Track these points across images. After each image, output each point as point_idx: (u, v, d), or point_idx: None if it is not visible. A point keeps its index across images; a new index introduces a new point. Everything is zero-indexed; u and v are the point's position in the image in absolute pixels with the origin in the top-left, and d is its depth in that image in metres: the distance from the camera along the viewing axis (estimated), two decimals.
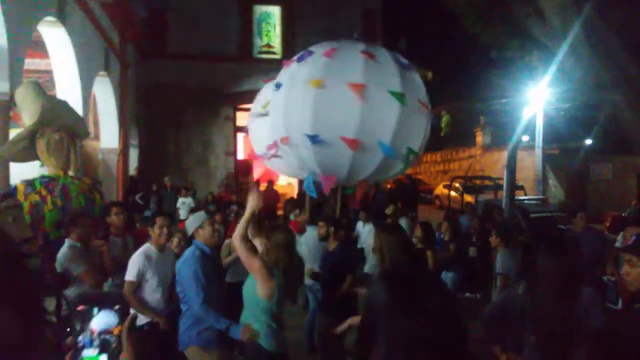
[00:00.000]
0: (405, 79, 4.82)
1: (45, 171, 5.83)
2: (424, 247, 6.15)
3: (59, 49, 8.39)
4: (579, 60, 7.45)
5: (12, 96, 6.01)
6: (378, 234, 3.77)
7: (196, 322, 3.94)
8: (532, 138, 19.14)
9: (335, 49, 4.86)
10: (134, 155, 14.13)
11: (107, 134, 11.72)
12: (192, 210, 8.86)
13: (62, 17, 7.83)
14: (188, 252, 4.15)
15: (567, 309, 2.86)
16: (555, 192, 19.33)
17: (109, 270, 4.92)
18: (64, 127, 5.91)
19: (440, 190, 21.77)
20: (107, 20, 10.79)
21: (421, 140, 5.12)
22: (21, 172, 6.12)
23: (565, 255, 2.96)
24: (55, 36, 8.14)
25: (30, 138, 5.79)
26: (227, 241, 6.10)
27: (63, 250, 4.57)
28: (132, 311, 4.14)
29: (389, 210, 8.50)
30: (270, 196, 14.07)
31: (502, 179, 13.25)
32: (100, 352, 1.25)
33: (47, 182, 5.57)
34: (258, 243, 4.07)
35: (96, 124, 11.59)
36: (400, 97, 4.49)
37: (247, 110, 15.80)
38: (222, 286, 4.31)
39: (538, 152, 18.78)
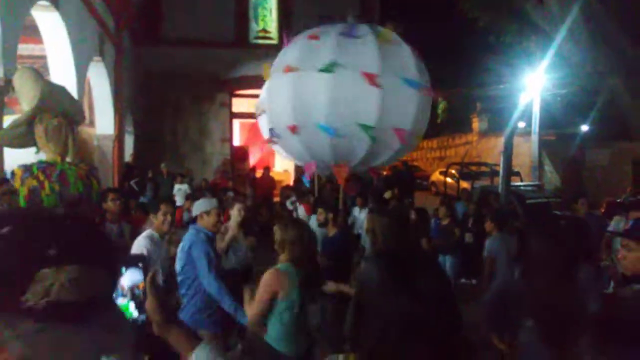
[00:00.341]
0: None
1: (43, 157, 5.80)
2: (419, 233, 6.18)
3: (52, 34, 8.29)
4: (577, 45, 7.44)
5: (7, 81, 5.96)
6: (371, 216, 3.80)
7: (204, 308, 3.93)
8: (529, 124, 19.12)
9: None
10: (129, 141, 14.06)
11: (103, 120, 11.65)
12: (188, 197, 8.86)
13: (56, 2, 7.74)
14: (191, 234, 4.12)
15: (563, 291, 2.87)
16: (551, 178, 19.37)
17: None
18: (62, 113, 5.88)
19: (436, 176, 21.80)
20: (102, 5, 10.67)
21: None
22: (15, 159, 6.08)
23: (560, 238, 2.99)
24: (49, 21, 8.04)
25: (29, 123, 5.76)
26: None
27: None
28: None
29: (387, 195, 8.52)
30: (267, 183, 14.07)
31: (498, 165, 13.26)
32: (129, 301, 1.47)
33: (44, 167, 5.53)
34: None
35: (91, 110, 11.51)
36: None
37: (244, 96, 15.84)
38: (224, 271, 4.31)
39: (534, 138, 18.77)
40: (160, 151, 14.60)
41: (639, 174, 18.19)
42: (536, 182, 16.28)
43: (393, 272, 1.28)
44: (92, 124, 11.54)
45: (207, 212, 4.16)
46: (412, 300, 1.20)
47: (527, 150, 19.10)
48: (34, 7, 7.33)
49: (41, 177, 5.52)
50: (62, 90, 6.38)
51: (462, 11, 10.21)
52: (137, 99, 14.69)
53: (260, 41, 15.75)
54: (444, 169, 20.34)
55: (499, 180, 12.57)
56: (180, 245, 4.20)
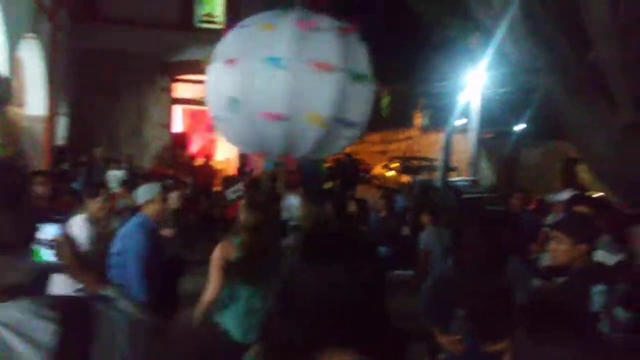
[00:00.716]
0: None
1: None
2: (358, 223, 6.23)
3: None
4: (516, 43, 7.64)
5: None
6: (301, 203, 3.85)
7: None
8: (468, 121, 19.67)
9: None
10: (63, 124, 13.42)
11: (34, 101, 11.03)
12: (124, 184, 8.55)
13: None
14: (133, 223, 3.96)
15: (493, 281, 2.96)
16: (487, 174, 20.04)
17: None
18: None
19: (378, 170, 22.10)
20: None
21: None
22: None
23: (488, 229, 3.08)
24: None
25: None
26: None
27: None
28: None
29: (327, 186, 8.56)
30: (207, 171, 13.83)
31: (438, 160, 13.61)
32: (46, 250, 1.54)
33: None
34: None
35: (22, 89, 10.88)
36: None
37: (186, 81, 15.42)
38: (160, 261, 4.16)
39: (472, 135, 19.35)
40: (96, 135, 14.00)
41: (569, 172, 19.09)
42: (473, 178, 16.79)
43: (316, 254, 1.24)
44: (21, 104, 10.92)
45: (151, 200, 4.00)
46: (332, 282, 1.17)
47: (465, 147, 19.64)
48: None
49: None
50: None
51: (407, 6, 10.31)
52: (72, 79, 14.00)
53: (205, 25, 15.32)
54: (386, 163, 20.69)
55: (438, 174, 12.92)
56: (120, 231, 4.01)
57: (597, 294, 2.53)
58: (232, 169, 15.11)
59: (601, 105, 7.54)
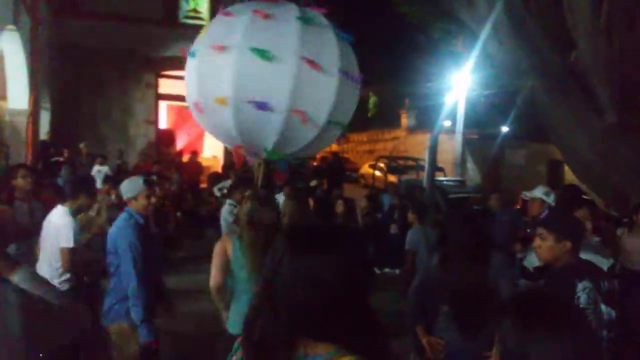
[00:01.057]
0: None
1: None
2: (345, 222, 6.22)
3: None
4: (501, 45, 7.70)
5: None
6: (285, 200, 3.84)
7: (125, 298, 3.74)
8: (454, 122, 19.82)
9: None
10: (45, 118, 13.23)
11: (16, 94, 10.86)
12: (107, 180, 8.45)
13: None
14: (122, 220, 3.90)
15: (477, 276, 2.99)
16: (473, 175, 20.20)
17: (12, 236, 4.60)
18: None
19: (365, 169, 22.14)
20: None
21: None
22: None
23: (473, 226, 3.11)
24: None
25: None
26: None
27: None
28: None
29: (312, 184, 8.54)
30: (194, 168, 13.74)
31: (424, 160, 13.66)
32: None
33: None
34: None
35: (3, 82, 10.72)
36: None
37: (172, 77, 15.29)
38: (153, 257, 4.11)
39: (458, 136, 19.50)
40: (79, 130, 13.82)
41: (553, 174, 19.31)
42: (459, 178, 16.90)
43: (298, 246, 1.25)
44: (3, 97, 10.75)
45: (135, 195, 3.95)
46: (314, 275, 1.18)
47: (451, 148, 19.78)
48: None
49: None
50: None
51: (393, 7, 10.34)
52: (56, 73, 13.81)
53: (190, 21, 15.18)
54: (373, 162, 20.73)
55: (424, 174, 12.96)
56: (110, 230, 3.97)
57: (582, 290, 2.54)
58: (218, 166, 15.03)
59: (584, 107, 7.63)
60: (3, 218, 4.41)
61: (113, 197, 6.37)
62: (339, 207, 7.23)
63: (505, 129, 20.72)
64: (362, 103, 32.39)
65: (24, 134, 11.00)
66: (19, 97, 10.89)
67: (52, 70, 13.40)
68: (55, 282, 3.97)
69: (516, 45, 7.55)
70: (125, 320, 3.74)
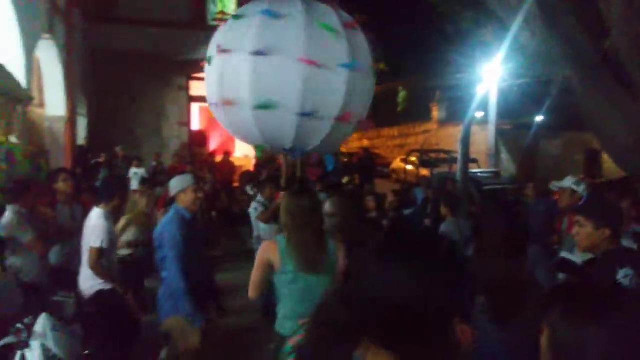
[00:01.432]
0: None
1: None
2: (377, 218, 6.21)
3: None
4: (533, 34, 7.55)
5: None
6: (334, 200, 3.78)
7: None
8: (486, 114, 19.53)
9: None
10: (82, 124, 13.59)
11: (53, 101, 11.19)
12: (144, 181, 8.64)
13: None
14: (169, 216, 4.02)
15: (513, 267, 2.95)
16: (508, 166, 19.87)
17: (55, 238, 4.77)
18: (2, 91, 5.64)
19: (397, 164, 22.00)
20: None
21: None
22: None
23: (508, 217, 3.07)
24: None
25: None
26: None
27: (9, 217, 4.37)
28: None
29: (344, 180, 8.55)
30: (227, 168, 13.91)
31: (457, 152, 13.50)
32: None
33: None
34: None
35: (41, 90, 11.05)
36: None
37: (202, 79, 15.44)
38: (200, 253, 4.19)
39: (491, 127, 19.20)
40: (115, 134, 14.15)
41: (590, 163, 18.84)
42: (493, 170, 16.64)
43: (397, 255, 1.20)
44: (42, 105, 11.09)
45: (184, 191, 4.04)
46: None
47: (484, 139, 19.49)
48: None
49: None
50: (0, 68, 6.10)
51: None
52: (90, 79, 14.17)
53: (219, 23, 15.31)
54: (404, 157, 20.60)
55: (457, 167, 12.81)
56: (158, 227, 4.10)
57: (623, 277, 2.50)
58: (251, 165, 15.18)
59: (619, 94, 7.42)
60: (47, 220, 4.58)
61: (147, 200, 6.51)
62: (370, 203, 7.21)
63: (539, 118, 20.31)
64: (392, 97, 32.19)
65: (62, 139, 11.32)
66: (56, 104, 11.21)
67: (86, 76, 13.75)
68: (96, 283, 4.09)
69: (548, 34, 7.39)
70: (179, 313, 3.82)
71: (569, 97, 8.27)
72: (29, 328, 2.78)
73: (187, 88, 15.74)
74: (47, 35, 10.15)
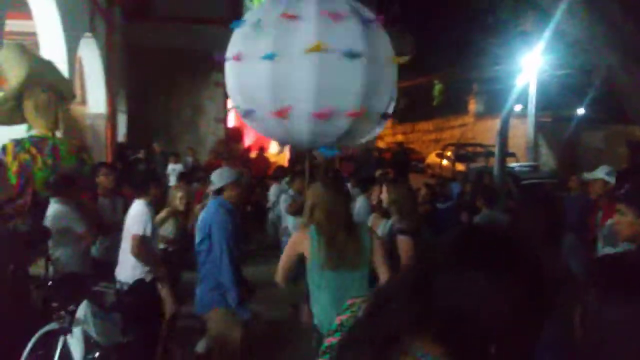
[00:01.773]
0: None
1: (33, 133, 5.75)
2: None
3: (42, 7, 8.13)
4: (575, 21, 7.33)
5: None
6: (390, 187, 3.81)
7: (221, 283, 3.86)
8: (525, 106, 19.11)
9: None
10: (122, 120, 13.93)
11: (94, 99, 11.50)
12: (181, 177, 8.80)
13: None
14: (213, 207, 4.03)
15: (549, 258, 2.88)
16: (547, 159, 19.40)
17: (106, 229, 4.92)
18: (51, 87, 5.82)
19: (432, 158, 21.75)
20: None
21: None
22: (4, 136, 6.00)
23: (544, 207, 2.99)
24: None
25: (16, 99, 5.70)
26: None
27: (58, 208, 4.50)
28: None
29: (377, 174, 8.54)
30: (262, 163, 14.04)
31: (494, 146, 13.26)
32: None
33: (36, 141, 5.52)
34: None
35: (83, 88, 11.37)
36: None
37: None
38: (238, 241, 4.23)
39: (530, 120, 18.78)
40: (153, 131, 14.45)
41: (634, 155, 18.22)
42: (532, 163, 16.29)
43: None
44: (83, 102, 11.41)
45: (230, 184, 4.08)
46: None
47: (523, 132, 19.10)
48: None
49: (33, 151, 5.49)
50: (49, 64, 6.31)
51: None
52: (129, 77, 14.50)
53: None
54: (440, 151, 20.33)
55: (494, 161, 12.58)
56: (200, 218, 4.14)
57: None
58: (285, 161, 15.27)
59: None
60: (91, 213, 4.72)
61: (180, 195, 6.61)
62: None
63: (581, 111, 19.76)
64: (427, 91, 31.79)
65: (103, 136, 11.62)
66: (97, 101, 11.52)
67: (126, 73, 14.08)
68: (136, 273, 4.18)
69: (591, 20, 7.16)
70: (223, 305, 3.86)
71: (611, 88, 8.01)
72: (72, 315, 2.90)
73: (223, 84, 15.87)
74: (89, 34, 10.43)
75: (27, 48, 5.88)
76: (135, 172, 9.09)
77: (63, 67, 8.55)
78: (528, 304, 1.03)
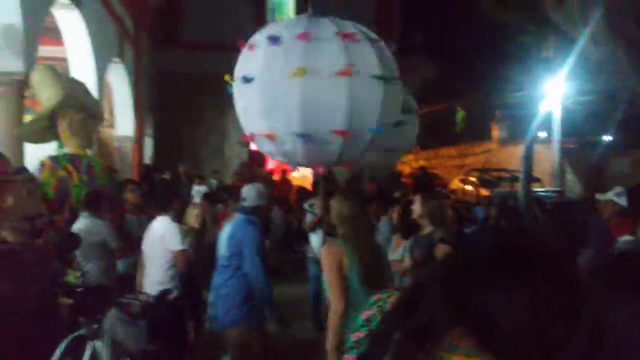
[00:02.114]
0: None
1: (66, 151, 5.90)
2: None
3: (73, 33, 8.43)
4: (598, 44, 7.32)
5: (27, 77, 6.06)
6: (422, 200, 3.83)
7: (247, 299, 3.85)
8: (549, 133, 18.97)
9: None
10: (149, 144, 14.20)
11: (122, 122, 11.78)
12: (205, 197, 8.91)
13: (77, 0, 7.87)
14: (243, 223, 4.04)
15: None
16: (572, 185, 19.13)
17: (133, 245, 5.00)
18: (84, 108, 6.00)
19: (455, 184, 21.54)
20: (121, 6, 10.81)
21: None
22: (35, 154, 6.17)
23: (563, 223, 2.98)
24: (69, 19, 8.17)
25: (50, 119, 5.88)
26: None
27: (94, 224, 4.58)
28: None
29: (397, 194, 8.56)
30: (285, 185, 14.13)
31: (519, 171, 13.15)
32: None
33: (72, 158, 5.66)
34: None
35: (111, 111, 11.66)
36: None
37: None
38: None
39: (555, 145, 18.61)
40: (180, 154, 14.68)
41: None
42: (557, 189, 16.07)
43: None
44: (111, 125, 11.69)
45: (258, 201, 4.13)
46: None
47: (548, 158, 18.90)
48: (55, 6, 7.46)
49: (70, 168, 5.64)
50: (82, 86, 6.52)
51: (480, 17, 10.20)
52: (157, 101, 14.83)
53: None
54: (463, 177, 20.19)
55: (519, 186, 12.46)
56: (228, 233, 4.13)
57: None
58: (308, 183, 15.33)
59: None
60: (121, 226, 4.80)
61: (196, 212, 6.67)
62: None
63: (607, 138, 19.55)
64: (449, 118, 31.78)
65: (130, 159, 11.86)
66: (125, 124, 11.79)
67: (153, 98, 14.41)
68: (167, 286, 4.22)
69: (614, 43, 7.15)
70: (246, 323, 3.85)
71: (636, 112, 7.93)
72: (99, 322, 2.95)
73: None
74: (117, 60, 10.75)
75: (57, 71, 6.07)
76: (158, 187, 9.24)
77: (92, 91, 8.80)
78: (560, 314, 1.02)
